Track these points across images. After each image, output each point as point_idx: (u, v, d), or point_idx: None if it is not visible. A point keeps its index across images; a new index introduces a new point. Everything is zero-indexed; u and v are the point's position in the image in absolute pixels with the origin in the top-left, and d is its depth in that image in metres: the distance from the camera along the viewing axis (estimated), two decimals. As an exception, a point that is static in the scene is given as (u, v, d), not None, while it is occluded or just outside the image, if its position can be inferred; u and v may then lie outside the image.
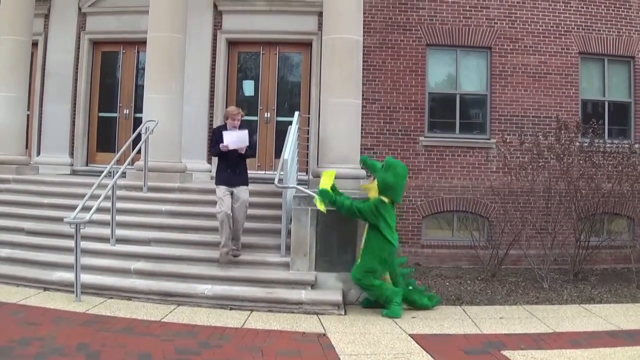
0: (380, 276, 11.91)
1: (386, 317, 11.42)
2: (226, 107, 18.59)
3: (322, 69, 15.48)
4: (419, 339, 9.91)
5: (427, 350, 9.27)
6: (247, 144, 12.71)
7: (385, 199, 11.90)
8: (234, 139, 12.57)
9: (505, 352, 9.21)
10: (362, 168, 13.08)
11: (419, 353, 9.18)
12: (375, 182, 12.04)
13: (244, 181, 12.90)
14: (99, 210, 12.54)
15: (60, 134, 20.26)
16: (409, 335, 10.18)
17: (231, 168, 12.75)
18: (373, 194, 12.09)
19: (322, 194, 11.99)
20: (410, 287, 12.22)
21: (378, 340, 9.91)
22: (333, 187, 12.29)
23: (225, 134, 12.63)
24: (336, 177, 13.19)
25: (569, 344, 9.85)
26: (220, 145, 12.64)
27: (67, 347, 9.02)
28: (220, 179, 12.85)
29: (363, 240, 12.09)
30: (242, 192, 12.75)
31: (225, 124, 13.08)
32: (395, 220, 12.23)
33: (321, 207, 12.00)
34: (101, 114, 20.70)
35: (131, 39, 19.98)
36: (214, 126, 18.50)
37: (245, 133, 12.72)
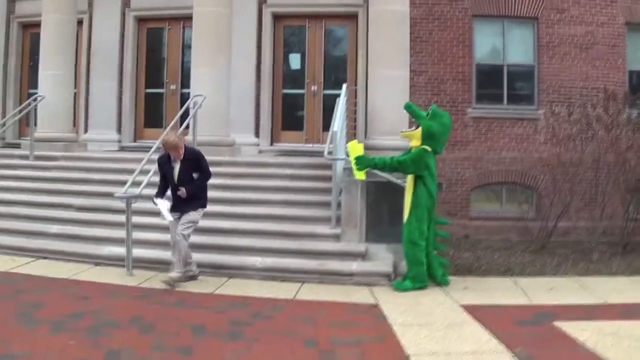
0: (424, 234, 11.74)
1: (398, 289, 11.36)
2: (273, 80, 18.83)
3: (368, 41, 15.59)
4: (470, 309, 9.91)
5: (478, 320, 9.28)
6: (184, 195, 11.38)
7: (429, 148, 11.63)
8: (164, 212, 11.50)
9: (557, 323, 9.15)
10: (408, 112, 12.45)
11: (471, 323, 9.19)
12: (419, 129, 11.70)
13: (194, 206, 11.57)
14: (149, 184, 12.65)
15: (107, 110, 20.51)
16: (461, 305, 10.19)
17: (183, 199, 11.54)
18: (415, 142, 11.80)
19: (360, 160, 11.82)
20: (435, 253, 12.11)
21: (430, 310, 9.96)
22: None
23: (158, 202, 11.56)
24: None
25: (620, 314, 9.79)
26: (154, 199, 11.64)
27: (120, 320, 9.17)
28: (173, 208, 11.67)
29: (409, 199, 11.74)
30: (192, 212, 11.48)
31: (168, 154, 11.66)
32: (436, 175, 11.98)
33: (361, 175, 11.91)
34: (148, 90, 20.98)
35: (177, 15, 20.06)
36: (261, 100, 18.68)
37: (169, 216, 11.48)
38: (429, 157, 11.58)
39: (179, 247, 11.29)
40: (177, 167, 11.43)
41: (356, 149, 11.96)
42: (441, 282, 11.73)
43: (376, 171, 12.12)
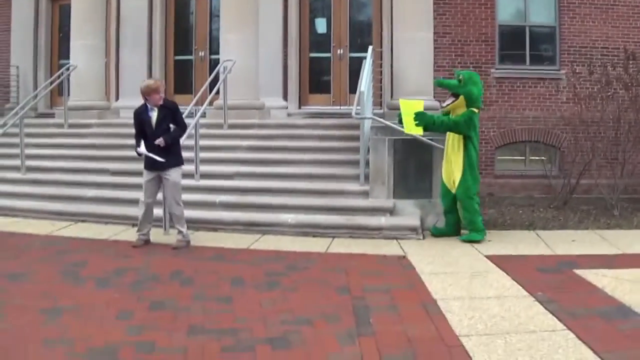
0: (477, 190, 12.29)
1: (466, 241, 11.80)
2: (300, 44, 19.11)
3: (393, 2, 15.74)
4: (494, 259, 10.30)
5: (502, 268, 9.66)
6: (163, 143, 11.35)
7: (475, 110, 12.05)
8: (145, 153, 11.45)
9: (577, 271, 9.51)
10: (439, 87, 13.07)
11: (495, 271, 9.58)
12: (461, 98, 12.04)
13: (172, 163, 11.63)
14: (183, 148, 13.02)
15: (138, 78, 20.53)
16: (485, 256, 10.58)
17: (156, 151, 11.48)
18: (460, 110, 12.10)
19: (421, 117, 12.13)
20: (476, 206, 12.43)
21: (456, 260, 10.36)
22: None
23: (141, 145, 11.51)
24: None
25: (638, 263, 10.12)
26: (137, 150, 11.70)
27: (161, 275, 9.67)
28: (145, 163, 11.80)
29: (460, 158, 12.06)
30: (171, 173, 11.59)
31: (145, 103, 11.70)
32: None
33: (418, 131, 12.22)
34: (177, 57, 21.25)
35: (205, -20, 20.34)
36: (289, 65, 18.99)
37: (159, 140, 11.36)
38: (476, 118, 12.07)
39: (177, 214, 11.61)
40: (154, 115, 11.55)
41: (414, 105, 12.37)
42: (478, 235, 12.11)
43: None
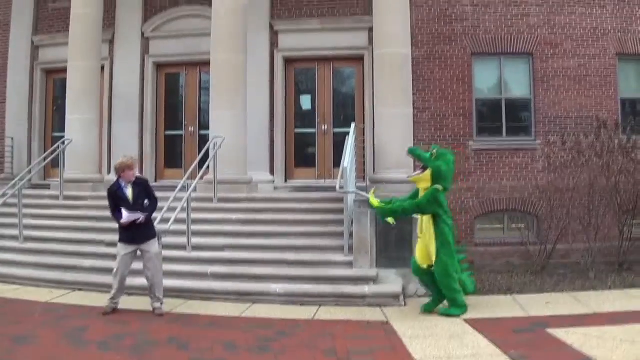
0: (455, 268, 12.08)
1: (444, 315, 11.71)
2: (286, 120, 19.76)
3: (374, 81, 16.54)
4: (472, 322, 10.89)
5: (479, 330, 10.27)
6: (143, 219, 12.00)
7: (440, 187, 11.85)
8: (132, 217, 11.94)
9: (549, 330, 10.14)
10: (411, 157, 12.78)
11: (472, 333, 10.20)
12: (428, 171, 11.91)
13: (151, 235, 12.26)
14: (177, 221, 13.72)
15: (129, 152, 21.12)
16: (463, 320, 11.16)
17: (136, 226, 12.04)
18: (424, 184, 12.02)
19: (379, 212, 12.35)
20: (467, 268, 12.72)
21: (435, 324, 10.92)
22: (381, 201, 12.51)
23: (124, 212, 11.95)
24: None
25: (607, 321, 10.71)
26: (120, 222, 12.03)
27: (158, 340, 10.24)
28: (123, 237, 12.20)
29: (433, 238, 11.93)
30: (151, 245, 12.18)
31: (119, 180, 12.27)
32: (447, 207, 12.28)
33: (391, 220, 12.49)
34: (167, 132, 21.93)
35: (193, 61, 21.16)
36: (275, 140, 19.64)
37: (138, 215, 11.99)
38: (441, 196, 11.93)
39: (158, 281, 12.19)
40: (129, 192, 12.11)
41: (374, 201, 12.47)
42: (473, 291, 12.52)
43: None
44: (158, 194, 15.70)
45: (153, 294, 12.26)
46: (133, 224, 11.97)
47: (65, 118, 19.59)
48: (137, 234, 12.05)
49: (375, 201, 12.43)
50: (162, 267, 12.34)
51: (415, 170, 13.45)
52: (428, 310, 12.07)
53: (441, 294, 12.09)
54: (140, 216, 11.95)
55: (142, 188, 12.29)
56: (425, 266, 12.17)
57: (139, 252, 12.24)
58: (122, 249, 12.18)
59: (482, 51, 19.39)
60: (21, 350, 9.65)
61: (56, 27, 22.36)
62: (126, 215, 11.93)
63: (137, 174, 12.60)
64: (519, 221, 18.67)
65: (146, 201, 12.25)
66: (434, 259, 11.94)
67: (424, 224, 12.14)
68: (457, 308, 11.80)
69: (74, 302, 13.06)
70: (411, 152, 12.69)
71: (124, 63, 21.89)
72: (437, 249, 11.88)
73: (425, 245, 12.15)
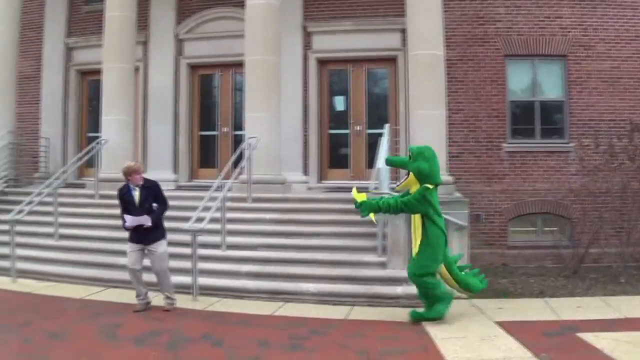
0: (437, 268, 11.68)
1: (424, 318, 11.44)
2: (320, 121, 19.82)
3: (408, 83, 16.59)
4: (504, 325, 10.92)
5: (510, 333, 10.32)
6: (149, 223, 12.24)
7: (429, 185, 11.49)
8: (135, 222, 12.23)
9: (580, 334, 10.17)
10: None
11: (503, 335, 10.25)
12: (411, 175, 11.60)
13: (158, 237, 12.49)
14: (212, 220, 13.97)
15: (164, 152, 21.66)
16: (495, 322, 11.21)
17: (143, 228, 12.35)
18: (414, 187, 11.64)
19: (364, 206, 11.78)
20: (467, 270, 12.27)
21: (467, 326, 10.99)
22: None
23: (127, 217, 12.28)
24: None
25: (638, 326, 10.72)
26: (124, 225, 12.40)
27: (193, 337, 10.43)
28: (131, 237, 12.52)
29: (418, 234, 11.61)
30: (157, 246, 12.41)
31: (127, 183, 12.60)
32: (439, 205, 11.85)
33: (372, 217, 12.07)
34: (201, 133, 22.11)
35: (227, 62, 21.32)
36: (309, 140, 19.71)
37: (145, 218, 12.27)
38: (430, 194, 11.53)
39: (165, 279, 12.48)
40: (136, 195, 12.44)
41: (358, 196, 12.01)
42: (484, 287, 12.28)
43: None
44: (193, 193, 15.93)
45: (162, 291, 12.63)
46: (140, 226, 12.28)
47: (99, 118, 19.93)
48: (143, 236, 12.37)
49: (359, 195, 12.04)
50: (167, 266, 12.58)
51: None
52: (417, 318, 11.58)
53: (466, 284, 12.04)
54: (144, 222, 12.22)
55: (151, 191, 12.59)
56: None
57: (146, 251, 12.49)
58: (129, 247, 12.51)
59: (515, 53, 19.30)
60: (57, 345, 9.88)
61: (90, 29, 22.60)
62: (130, 219, 12.24)
63: (147, 177, 12.92)
64: (552, 224, 18.63)
65: (154, 205, 12.57)
66: (415, 254, 11.69)
67: (415, 223, 11.83)
68: (443, 304, 11.53)
69: (109, 299, 13.31)
70: (388, 162, 12.72)
71: (158, 65, 22.15)
72: (420, 248, 11.57)
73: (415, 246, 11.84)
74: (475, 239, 16.91)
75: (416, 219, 11.76)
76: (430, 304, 11.61)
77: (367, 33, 20.09)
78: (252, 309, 12.40)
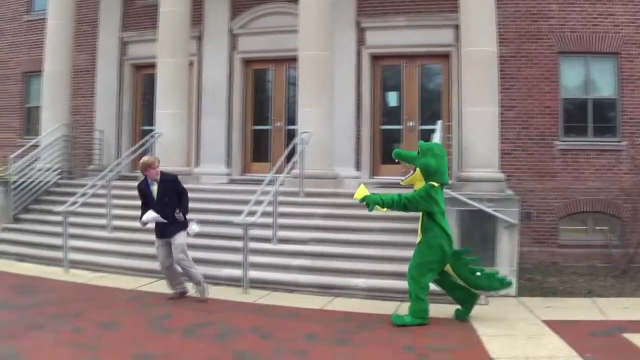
0: (438, 272, 11.52)
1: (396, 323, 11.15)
2: (372, 117, 19.88)
3: (461, 79, 16.57)
4: (550, 323, 10.98)
5: (557, 332, 10.37)
6: (165, 221, 12.62)
7: (435, 183, 11.35)
8: (151, 218, 12.64)
9: (626, 335, 10.22)
10: (397, 162, 12.21)
11: (550, 334, 10.31)
12: (417, 170, 11.46)
13: (179, 228, 12.75)
14: (264, 214, 14.19)
15: (217, 146, 21.92)
16: (542, 321, 11.26)
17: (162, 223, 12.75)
18: (419, 184, 11.51)
19: (368, 200, 11.64)
20: (478, 273, 11.66)
21: (514, 324, 11.08)
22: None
23: (145, 215, 12.71)
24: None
25: (688, 327, 10.71)
26: (140, 220, 12.93)
27: (242, 329, 10.67)
28: (156, 232, 12.94)
29: (420, 234, 11.50)
30: (177, 237, 12.68)
31: (145, 177, 12.97)
32: (445, 206, 11.68)
33: (381, 209, 11.82)
34: (255, 127, 22.33)
35: (280, 57, 21.49)
36: (361, 136, 19.81)
37: (156, 217, 12.62)
38: (436, 192, 11.36)
39: (186, 269, 12.73)
40: (155, 189, 12.78)
41: (361, 190, 11.85)
42: (504, 286, 11.94)
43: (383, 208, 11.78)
44: (245, 187, 16.10)
45: (189, 280, 12.99)
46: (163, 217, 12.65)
47: (153, 112, 20.26)
48: (164, 229, 12.75)
49: (360, 192, 11.84)
50: (186, 256, 12.77)
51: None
52: (460, 317, 11.59)
53: (468, 298, 11.68)
54: (158, 220, 12.64)
55: (169, 185, 12.87)
56: (443, 271, 11.70)
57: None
58: (156, 243, 12.99)
59: (568, 50, 19.17)
60: (108, 335, 10.19)
61: (144, 23, 22.96)
62: (149, 217, 12.68)
63: (165, 171, 13.31)
64: (603, 223, 18.51)
65: (174, 198, 12.85)
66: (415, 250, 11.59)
67: (422, 220, 11.61)
68: (412, 316, 11.14)
69: (159, 290, 13.59)
70: (396, 155, 12.10)
71: (212, 59, 22.43)
72: (420, 246, 11.46)
73: None
74: (525, 237, 16.92)
75: (423, 217, 11.56)
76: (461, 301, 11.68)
77: (420, 29, 20.06)
78: (302, 303, 12.59)
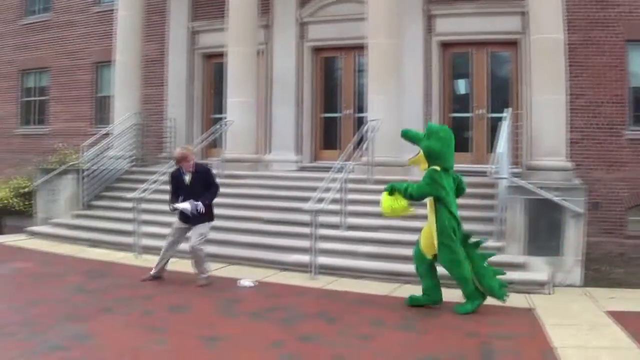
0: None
1: (458, 313, 11.18)
2: (441, 104, 20.00)
3: (530, 67, 16.59)
4: (614, 315, 10.95)
5: (620, 323, 10.37)
6: (192, 212, 12.81)
7: (437, 168, 11.27)
8: (186, 209, 12.81)
9: (693, 326, 10.18)
10: (406, 140, 11.97)
11: (613, 326, 10.32)
12: (421, 152, 11.47)
13: (204, 219, 13.07)
14: (333, 201, 14.46)
15: (287, 133, 22.27)
16: (606, 312, 11.23)
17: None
18: (423, 166, 11.50)
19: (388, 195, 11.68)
20: (486, 264, 11.57)
21: (577, 314, 11.13)
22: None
23: (182, 203, 12.87)
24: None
25: None
26: (169, 206, 13.38)
27: (308, 313, 10.99)
28: (180, 216, 13.30)
29: (434, 225, 11.39)
30: (200, 227, 13.04)
31: (179, 168, 13.19)
32: (454, 192, 11.58)
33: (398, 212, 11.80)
34: (324, 115, 22.59)
35: (349, 45, 21.63)
36: (432, 121, 19.79)
37: (198, 205, 12.81)
38: (440, 177, 11.25)
39: (198, 256, 13.01)
40: (187, 179, 13.05)
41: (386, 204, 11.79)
42: (499, 296, 11.42)
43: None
44: (315, 174, 16.27)
45: (194, 266, 13.27)
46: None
47: (223, 100, 20.71)
48: (189, 217, 13.05)
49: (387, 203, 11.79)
50: (202, 246, 13.08)
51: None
52: (413, 303, 11.60)
53: (432, 290, 11.60)
54: (187, 210, 12.87)
55: (202, 176, 13.14)
56: (429, 256, 11.64)
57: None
58: (176, 222, 13.52)
59: (637, 38, 18.86)
60: (176, 318, 10.59)
61: (213, 13, 23.35)
62: (185, 206, 12.94)
63: (198, 162, 13.61)
64: (673, 214, 18.21)
65: (205, 188, 13.10)
66: (436, 247, 11.44)
67: (428, 207, 11.60)
68: (471, 303, 11.27)
69: (229, 275, 13.95)
70: (404, 134, 12.07)
71: (281, 48, 22.75)
72: (438, 237, 11.34)
73: (430, 232, 11.56)
74: (593, 227, 16.73)
75: (429, 204, 11.54)
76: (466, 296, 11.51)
77: (488, 16, 19.96)
78: (369, 289, 12.78)
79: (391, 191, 11.66)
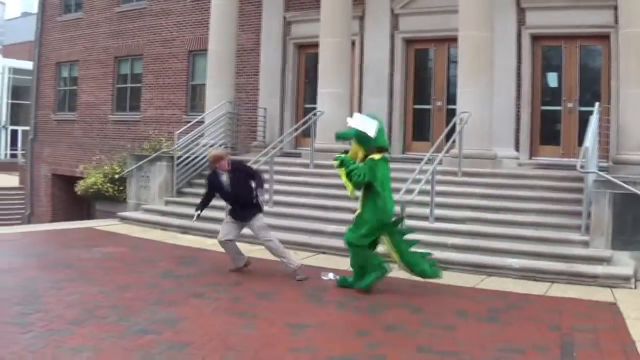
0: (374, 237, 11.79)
1: (346, 285, 11.93)
2: (532, 97, 19.98)
3: (619, 61, 16.56)
4: (699, 310, 10.86)
5: None
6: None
7: (375, 157, 11.36)
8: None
9: None
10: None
11: (697, 321, 10.25)
12: (353, 144, 11.64)
13: (254, 212, 12.88)
14: (421, 192, 14.55)
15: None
16: (690, 308, 11.14)
17: (240, 207, 13.01)
18: (360, 154, 11.57)
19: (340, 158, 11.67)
20: (413, 249, 11.99)
21: (663, 309, 11.05)
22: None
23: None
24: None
25: None
26: (196, 213, 13.47)
27: (394, 303, 11.16)
28: (230, 212, 13.35)
29: (360, 201, 11.73)
30: (254, 220, 12.89)
31: (215, 170, 13.13)
32: (389, 178, 11.70)
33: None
34: (415, 106, 22.68)
35: (441, 37, 21.67)
36: (521, 116, 19.86)
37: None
38: (376, 165, 11.34)
39: (275, 249, 12.87)
40: (225, 179, 12.88)
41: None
42: (431, 275, 11.95)
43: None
44: (405, 166, 16.42)
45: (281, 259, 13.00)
46: (237, 205, 13.08)
47: (315, 90, 20.92)
48: (240, 214, 13.05)
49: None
50: (271, 236, 12.97)
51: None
52: (343, 284, 12.09)
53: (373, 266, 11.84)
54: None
55: (240, 173, 13.00)
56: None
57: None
58: (226, 218, 13.67)
59: None
60: (264, 304, 10.81)
61: (307, 3, 23.78)
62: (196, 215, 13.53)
63: (235, 159, 13.90)
64: None
65: (250, 183, 12.83)
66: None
67: (362, 192, 11.73)
68: (373, 276, 11.71)
69: (317, 264, 14.12)
70: (338, 137, 12.28)
71: (374, 39, 22.88)
72: (359, 213, 11.74)
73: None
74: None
75: (364, 188, 11.58)
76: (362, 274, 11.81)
77: (579, 9, 19.79)
78: (455, 281, 12.83)
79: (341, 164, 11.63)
